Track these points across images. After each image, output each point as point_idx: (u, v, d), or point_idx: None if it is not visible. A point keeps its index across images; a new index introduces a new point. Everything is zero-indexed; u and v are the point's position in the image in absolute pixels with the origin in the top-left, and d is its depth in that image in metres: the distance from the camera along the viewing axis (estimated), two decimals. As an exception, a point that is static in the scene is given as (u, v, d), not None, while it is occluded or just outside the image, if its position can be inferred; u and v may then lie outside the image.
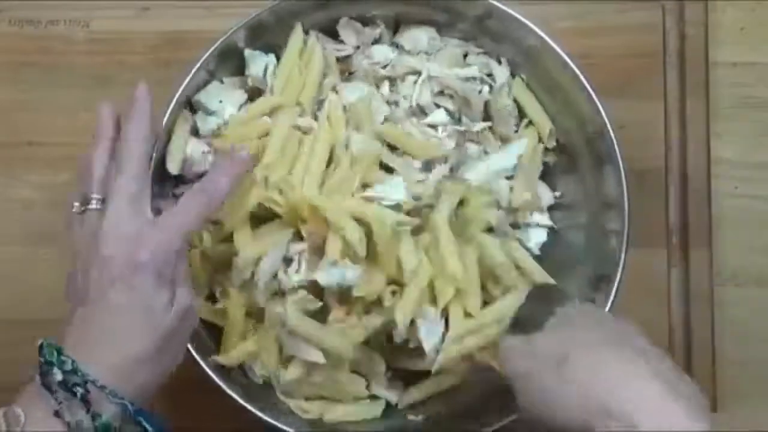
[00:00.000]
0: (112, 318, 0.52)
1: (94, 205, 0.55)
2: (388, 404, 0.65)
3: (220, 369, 0.61)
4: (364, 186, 0.61)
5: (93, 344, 0.51)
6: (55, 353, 0.50)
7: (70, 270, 0.55)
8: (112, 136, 0.57)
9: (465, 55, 0.67)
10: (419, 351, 0.61)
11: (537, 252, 0.67)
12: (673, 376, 0.47)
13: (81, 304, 0.53)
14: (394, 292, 0.60)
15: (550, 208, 0.68)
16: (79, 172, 0.57)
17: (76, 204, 0.56)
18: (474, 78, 0.66)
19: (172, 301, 0.53)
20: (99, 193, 0.55)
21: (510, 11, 0.62)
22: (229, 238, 0.62)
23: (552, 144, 0.67)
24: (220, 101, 0.64)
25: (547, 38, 0.62)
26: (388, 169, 0.63)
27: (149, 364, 0.52)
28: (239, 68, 0.65)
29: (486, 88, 0.66)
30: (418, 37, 0.66)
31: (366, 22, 0.66)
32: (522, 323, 0.55)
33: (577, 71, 0.61)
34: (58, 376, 0.50)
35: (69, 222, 0.56)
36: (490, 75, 0.67)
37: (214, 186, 0.56)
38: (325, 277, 0.58)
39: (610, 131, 0.61)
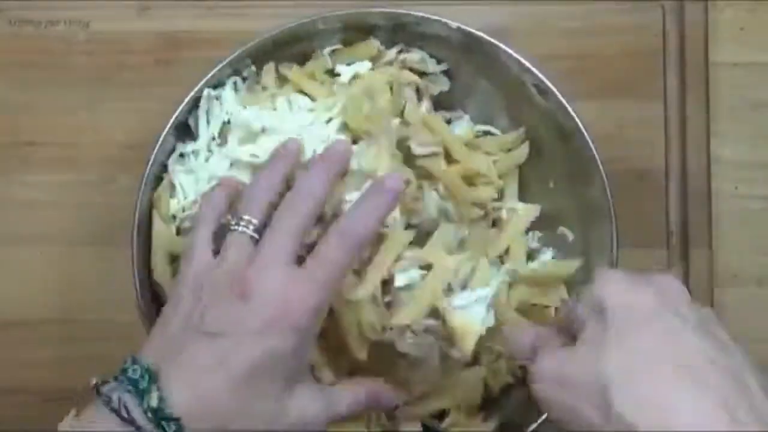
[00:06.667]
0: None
1: (248, 230, 0.50)
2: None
3: None
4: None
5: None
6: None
7: (179, 280, 0.50)
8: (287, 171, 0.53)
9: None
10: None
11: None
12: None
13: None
14: None
15: (537, 220, 0.65)
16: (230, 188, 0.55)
17: (228, 217, 0.52)
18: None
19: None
20: (256, 218, 0.50)
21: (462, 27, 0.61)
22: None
23: (525, 154, 0.64)
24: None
25: (505, 48, 0.61)
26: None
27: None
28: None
29: None
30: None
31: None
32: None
33: (538, 73, 0.60)
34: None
35: (198, 225, 0.52)
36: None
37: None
38: None
39: (584, 131, 0.60)
